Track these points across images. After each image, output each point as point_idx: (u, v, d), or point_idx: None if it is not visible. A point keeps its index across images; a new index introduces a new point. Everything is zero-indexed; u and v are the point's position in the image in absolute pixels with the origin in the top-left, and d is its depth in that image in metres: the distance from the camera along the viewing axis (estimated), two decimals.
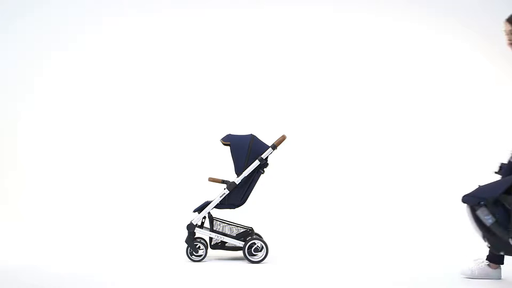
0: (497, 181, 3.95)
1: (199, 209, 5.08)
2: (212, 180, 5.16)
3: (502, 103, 7.09)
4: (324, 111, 7.01)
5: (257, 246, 4.98)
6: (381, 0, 7.15)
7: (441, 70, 7.13)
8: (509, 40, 4.29)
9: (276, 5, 7.13)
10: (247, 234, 5.13)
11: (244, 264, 4.94)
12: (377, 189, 6.73)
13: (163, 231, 6.08)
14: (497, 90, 7.10)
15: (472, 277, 4.27)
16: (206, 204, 5.08)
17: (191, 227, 5.03)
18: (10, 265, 4.89)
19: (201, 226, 5.10)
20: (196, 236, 5.06)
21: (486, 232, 3.79)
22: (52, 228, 6.26)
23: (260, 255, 4.98)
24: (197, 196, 5.42)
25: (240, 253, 5.11)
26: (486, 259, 4.28)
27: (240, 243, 5.01)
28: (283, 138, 5.08)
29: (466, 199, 3.82)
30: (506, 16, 4.36)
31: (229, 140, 5.09)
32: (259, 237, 5.15)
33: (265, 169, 5.08)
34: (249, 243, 4.97)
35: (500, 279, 4.27)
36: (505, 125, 7.06)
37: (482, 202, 3.77)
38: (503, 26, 4.31)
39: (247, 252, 4.96)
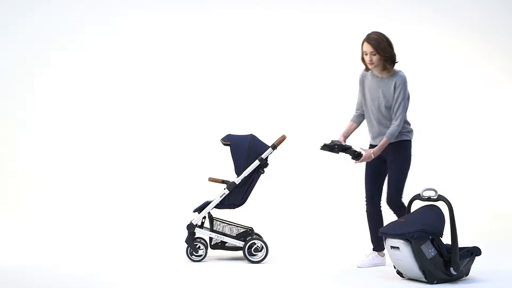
0: (422, 214, 4.27)
1: (199, 209, 5.08)
2: (212, 180, 5.16)
3: (499, 104, 7.10)
4: (324, 111, 7.01)
5: (257, 246, 4.98)
6: (381, 1, 7.15)
7: (439, 71, 7.13)
8: (370, 60, 4.56)
9: (276, 6, 7.13)
10: (247, 234, 5.13)
11: (244, 264, 4.94)
12: None
13: (163, 231, 6.08)
14: (495, 90, 7.11)
15: (367, 267, 4.77)
16: (206, 204, 5.08)
17: (191, 227, 5.03)
18: (10, 265, 4.89)
19: (201, 226, 5.10)
20: (196, 236, 5.07)
21: (426, 263, 4.09)
22: (52, 228, 6.25)
23: (260, 255, 4.98)
24: (197, 196, 5.42)
25: (240, 253, 5.11)
26: (373, 250, 4.85)
27: (240, 243, 5.02)
28: (283, 138, 5.09)
29: (418, 235, 4.06)
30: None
31: (229, 140, 5.10)
32: (259, 237, 5.15)
33: (265, 169, 5.09)
34: (249, 243, 4.97)
35: (385, 265, 4.80)
36: (502, 126, 7.07)
37: (430, 237, 4.10)
38: (365, 47, 4.56)
39: (247, 252, 4.96)
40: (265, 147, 5.07)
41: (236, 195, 5.05)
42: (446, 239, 4.22)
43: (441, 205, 4.28)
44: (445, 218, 4.21)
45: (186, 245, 5.02)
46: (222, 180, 5.12)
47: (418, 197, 4.37)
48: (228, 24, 7.09)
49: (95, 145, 6.90)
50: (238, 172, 5.05)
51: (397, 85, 4.55)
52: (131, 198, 6.70)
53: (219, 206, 5.06)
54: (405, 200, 4.59)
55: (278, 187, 6.52)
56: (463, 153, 6.97)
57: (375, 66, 4.58)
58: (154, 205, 6.63)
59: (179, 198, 6.45)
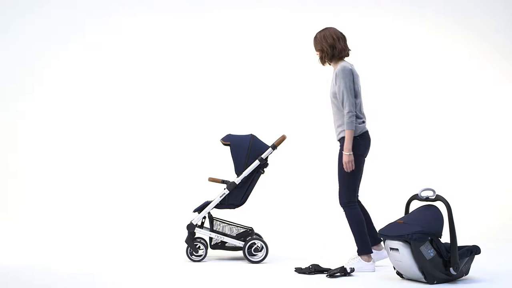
0: (420, 215, 4.24)
1: (199, 209, 5.08)
2: (212, 180, 5.16)
3: (499, 104, 7.10)
4: (324, 111, 7.00)
5: (257, 246, 4.98)
6: (382, 2, 7.16)
7: (439, 71, 7.14)
8: (320, 58, 4.69)
9: (276, 6, 7.13)
10: (247, 234, 5.13)
11: (244, 264, 4.94)
12: (377, 188, 6.73)
13: (163, 231, 6.08)
14: (494, 91, 7.11)
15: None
16: (206, 204, 5.08)
17: (191, 227, 5.03)
18: (10, 265, 4.90)
19: (201, 226, 5.10)
20: (196, 236, 5.07)
21: (425, 264, 4.09)
22: (52, 228, 6.26)
23: (260, 255, 4.98)
24: (197, 196, 5.42)
25: (240, 253, 5.11)
26: (358, 254, 4.62)
27: (240, 243, 5.02)
28: (283, 138, 5.09)
29: (416, 236, 4.05)
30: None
31: (229, 140, 5.10)
32: (259, 237, 5.15)
33: (265, 169, 5.09)
34: (249, 243, 4.97)
35: (374, 271, 4.57)
36: (501, 126, 7.07)
37: (429, 238, 4.08)
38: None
39: (247, 252, 4.97)
40: (265, 147, 5.07)
41: (236, 195, 5.05)
42: (445, 239, 4.22)
43: (439, 205, 4.28)
44: (444, 218, 4.21)
45: (186, 245, 5.02)
46: (222, 180, 5.12)
47: (416, 197, 4.37)
48: (228, 24, 7.10)
49: (95, 146, 6.90)
50: (238, 172, 5.05)
51: (336, 75, 4.55)
52: (131, 198, 6.71)
53: (219, 206, 5.06)
54: (403, 200, 4.57)
55: (278, 187, 6.52)
56: (461, 153, 6.97)
57: (321, 62, 4.71)
58: (155, 205, 6.64)
59: (179, 198, 6.46)
